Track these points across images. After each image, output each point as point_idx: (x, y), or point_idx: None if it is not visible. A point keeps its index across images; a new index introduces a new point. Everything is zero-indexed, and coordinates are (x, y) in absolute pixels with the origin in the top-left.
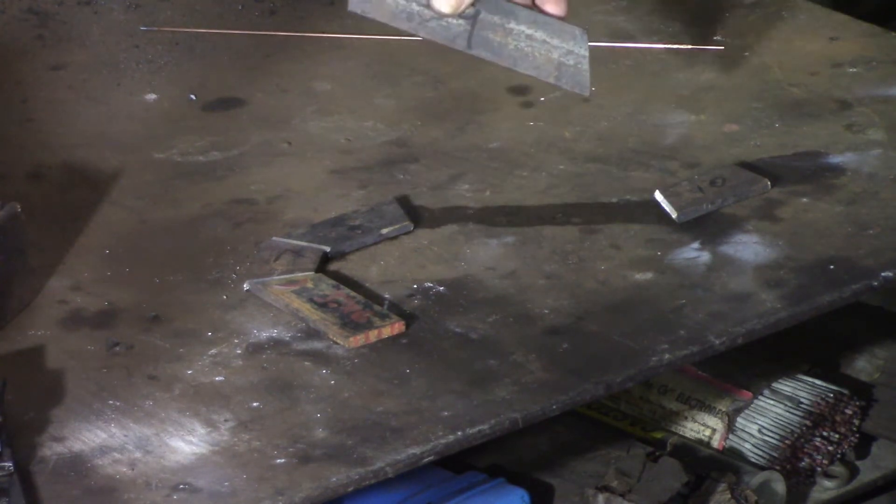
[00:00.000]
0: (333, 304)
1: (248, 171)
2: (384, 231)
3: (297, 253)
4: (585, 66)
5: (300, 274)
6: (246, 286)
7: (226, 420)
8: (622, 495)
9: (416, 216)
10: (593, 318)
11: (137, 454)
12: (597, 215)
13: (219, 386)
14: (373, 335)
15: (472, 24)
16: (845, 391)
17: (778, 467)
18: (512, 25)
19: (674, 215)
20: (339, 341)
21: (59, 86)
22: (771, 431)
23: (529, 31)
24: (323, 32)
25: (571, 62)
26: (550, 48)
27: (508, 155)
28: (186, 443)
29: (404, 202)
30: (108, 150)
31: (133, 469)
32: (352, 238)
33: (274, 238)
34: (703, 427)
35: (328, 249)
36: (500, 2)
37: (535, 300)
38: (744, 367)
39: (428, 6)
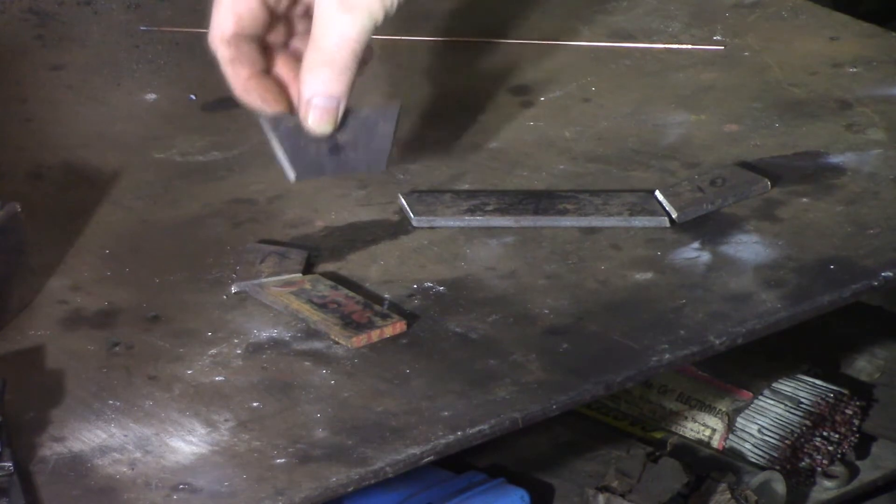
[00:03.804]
0: (333, 304)
1: (248, 171)
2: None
3: (283, 255)
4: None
5: (287, 276)
6: (234, 289)
7: (226, 420)
8: (622, 495)
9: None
10: (593, 318)
11: (137, 454)
12: None
13: (219, 386)
14: (375, 335)
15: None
16: (845, 391)
17: (778, 467)
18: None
19: (674, 215)
20: (341, 342)
21: (59, 86)
22: (771, 431)
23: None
24: None
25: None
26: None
27: (508, 155)
28: (186, 443)
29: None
30: (108, 150)
31: (133, 469)
32: (333, 161)
33: (263, 118)
34: (703, 427)
35: (303, 249)
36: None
37: (535, 300)
38: (744, 367)
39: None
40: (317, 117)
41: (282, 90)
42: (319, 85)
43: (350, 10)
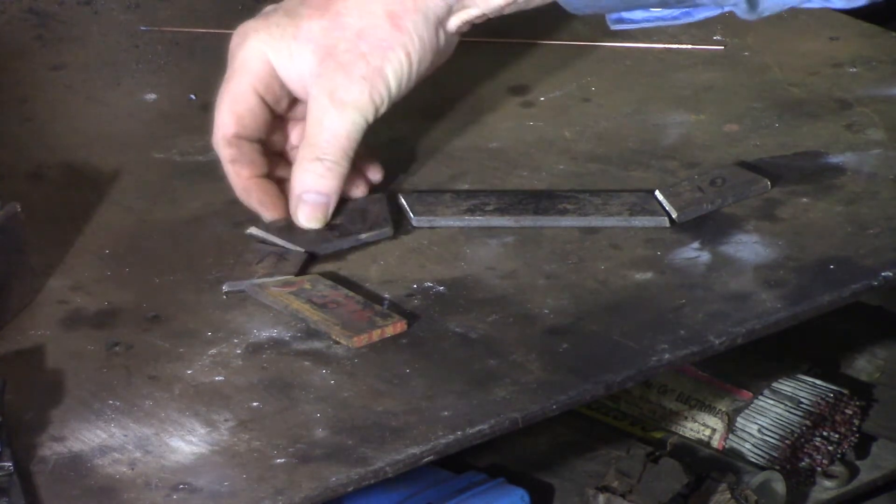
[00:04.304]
0: (333, 304)
1: None
2: (363, 236)
3: (281, 256)
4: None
5: (280, 277)
6: (225, 288)
7: (226, 420)
8: (622, 495)
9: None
10: (593, 318)
11: (137, 454)
12: None
13: (219, 386)
14: (376, 334)
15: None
16: (845, 391)
17: (778, 467)
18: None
19: (674, 215)
20: (342, 341)
21: (59, 86)
22: (771, 431)
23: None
24: None
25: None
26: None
27: (508, 155)
28: (186, 443)
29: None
30: (108, 150)
31: (133, 469)
32: (329, 241)
33: (254, 230)
34: (703, 427)
35: (302, 250)
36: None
37: (535, 300)
38: (744, 367)
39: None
40: (307, 213)
41: (281, 194)
42: (310, 181)
43: (341, 107)
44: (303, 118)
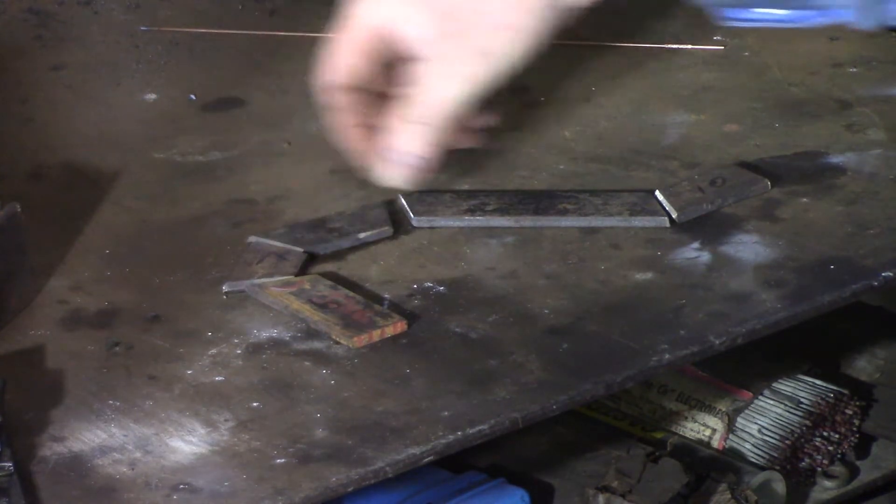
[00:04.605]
0: (333, 304)
1: (248, 171)
2: (361, 236)
3: (281, 256)
4: None
5: (279, 278)
6: (225, 287)
7: (226, 420)
8: (622, 495)
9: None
10: (593, 318)
11: (137, 454)
12: None
13: (219, 386)
14: (376, 334)
15: None
16: (845, 391)
17: (778, 467)
18: None
19: (674, 215)
20: (342, 341)
21: (59, 86)
22: (771, 431)
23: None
24: (323, 32)
25: None
26: None
27: (508, 155)
28: (186, 443)
29: (394, 204)
30: (108, 150)
31: (133, 469)
32: (328, 241)
33: (254, 239)
34: (703, 427)
35: (301, 250)
36: None
37: (535, 300)
38: (744, 367)
39: None
40: (393, 171)
41: (375, 144)
42: (405, 141)
43: (452, 77)
44: (405, 80)
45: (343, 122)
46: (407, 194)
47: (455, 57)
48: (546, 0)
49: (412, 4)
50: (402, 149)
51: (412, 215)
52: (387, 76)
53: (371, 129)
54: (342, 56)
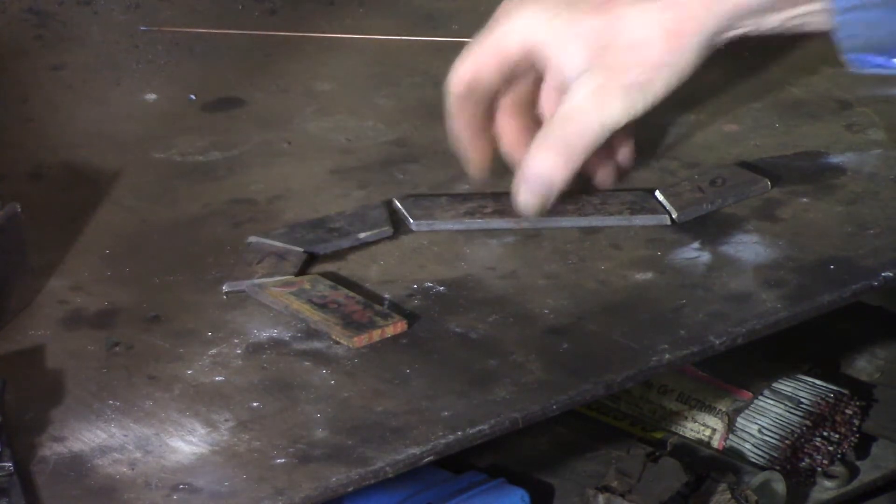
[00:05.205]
0: (333, 304)
1: (248, 171)
2: (361, 235)
3: (281, 256)
4: None
5: (279, 278)
6: (225, 287)
7: (226, 420)
8: (622, 495)
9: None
10: (593, 318)
11: (137, 454)
12: None
13: (219, 386)
14: (376, 334)
15: None
16: (845, 391)
17: (778, 467)
18: None
19: (674, 215)
20: (342, 341)
21: (59, 86)
22: (771, 431)
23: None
24: (323, 32)
25: None
26: None
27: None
28: (186, 443)
29: (394, 205)
30: (108, 150)
31: (133, 469)
32: (328, 241)
33: (254, 239)
34: (703, 427)
35: (301, 250)
36: None
37: (535, 300)
38: (744, 367)
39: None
40: (527, 197)
41: (488, 156)
42: (544, 165)
43: (599, 108)
44: (550, 89)
45: (458, 122)
46: (402, 199)
47: (607, 89)
48: (705, 38)
49: (570, 34)
50: (538, 170)
51: (411, 220)
52: (505, 91)
53: (485, 139)
54: (480, 59)
